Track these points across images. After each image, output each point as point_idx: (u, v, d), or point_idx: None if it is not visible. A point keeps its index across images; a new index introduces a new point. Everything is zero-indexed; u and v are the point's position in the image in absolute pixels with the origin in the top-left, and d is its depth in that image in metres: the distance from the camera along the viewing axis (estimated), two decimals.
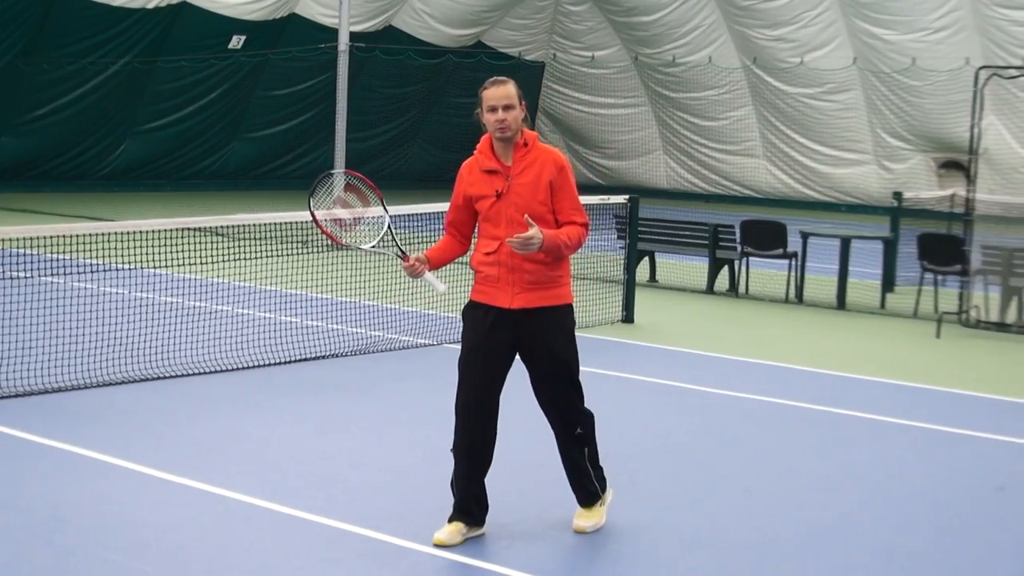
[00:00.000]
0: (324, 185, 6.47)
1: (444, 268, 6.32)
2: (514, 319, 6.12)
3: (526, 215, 6.00)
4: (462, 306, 6.34)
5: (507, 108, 6.05)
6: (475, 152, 6.25)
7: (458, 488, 6.25)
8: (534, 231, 5.91)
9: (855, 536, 6.56)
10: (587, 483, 6.44)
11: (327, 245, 16.92)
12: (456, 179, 6.31)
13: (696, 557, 6.14)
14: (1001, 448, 8.73)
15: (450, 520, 6.21)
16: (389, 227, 6.38)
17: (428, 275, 6.20)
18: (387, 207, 6.50)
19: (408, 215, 13.84)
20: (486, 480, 6.29)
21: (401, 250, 6.21)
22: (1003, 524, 6.93)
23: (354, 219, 6.47)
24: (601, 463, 6.50)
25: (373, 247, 6.41)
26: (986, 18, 29.03)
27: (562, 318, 6.22)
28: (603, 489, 6.53)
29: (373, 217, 6.51)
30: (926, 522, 6.88)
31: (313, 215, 6.48)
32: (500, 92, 6.07)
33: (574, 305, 6.34)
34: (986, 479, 7.82)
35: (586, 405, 6.39)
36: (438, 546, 6.08)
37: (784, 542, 6.42)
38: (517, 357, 6.26)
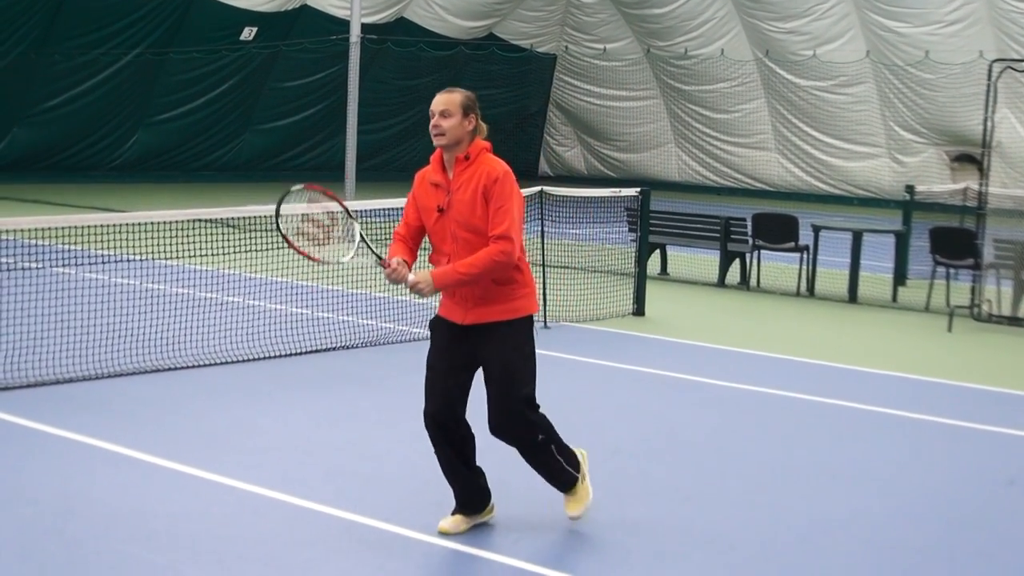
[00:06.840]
0: (285, 203, 6.17)
1: None
2: (470, 333, 6.03)
3: (389, 262, 5.89)
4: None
5: (443, 115, 5.92)
6: (430, 161, 6.13)
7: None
8: (412, 278, 5.86)
9: (866, 530, 6.55)
10: (562, 475, 6.27)
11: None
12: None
13: (706, 551, 6.13)
14: (1012, 442, 8.71)
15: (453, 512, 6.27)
16: (361, 235, 6.19)
17: (410, 277, 5.98)
18: (351, 213, 6.31)
19: None
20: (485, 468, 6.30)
21: (379, 257, 6.03)
22: (1014, 518, 6.92)
23: (325, 234, 6.24)
24: (566, 443, 6.27)
25: (352, 258, 6.20)
26: (1000, 11, 28.95)
27: (514, 331, 6.01)
28: (576, 467, 6.30)
29: (340, 231, 6.28)
30: (936, 516, 6.87)
31: (285, 237, 6.21)
32: (441, 98, 5.96)
33: (535, 316, 6.18)
34: (997, 473, 7.80)
35: (541, 411, 6.13)
36: (442, 534, 6.13)
37: (794, 536, 6.41)
38: None
